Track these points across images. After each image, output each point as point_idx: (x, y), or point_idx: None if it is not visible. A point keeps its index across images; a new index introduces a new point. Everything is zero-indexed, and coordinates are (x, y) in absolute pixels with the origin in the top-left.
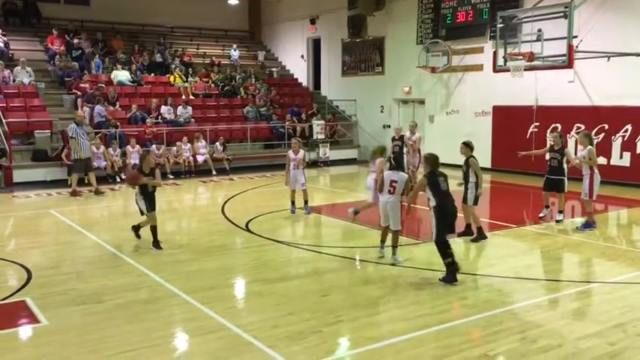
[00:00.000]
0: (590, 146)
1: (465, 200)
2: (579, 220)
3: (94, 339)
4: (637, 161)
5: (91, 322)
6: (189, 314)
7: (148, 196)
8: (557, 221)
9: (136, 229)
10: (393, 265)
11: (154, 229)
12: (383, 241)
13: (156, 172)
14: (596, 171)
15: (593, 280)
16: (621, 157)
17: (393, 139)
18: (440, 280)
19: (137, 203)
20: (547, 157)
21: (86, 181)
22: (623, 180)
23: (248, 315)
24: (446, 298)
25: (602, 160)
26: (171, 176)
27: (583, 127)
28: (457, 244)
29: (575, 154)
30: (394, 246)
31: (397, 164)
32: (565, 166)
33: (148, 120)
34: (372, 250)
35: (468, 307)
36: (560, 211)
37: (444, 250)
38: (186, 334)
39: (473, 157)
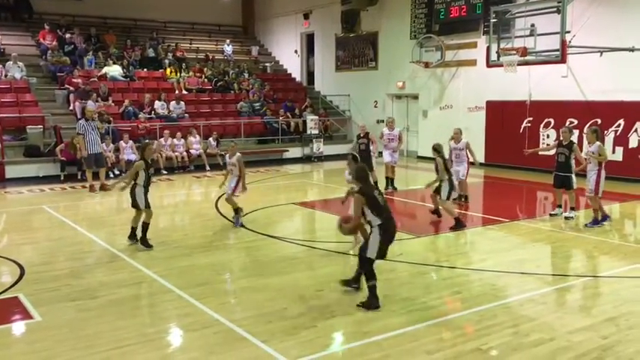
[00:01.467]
0: (598, 142)
1: (438, 193)
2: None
3: (88, 334)
4: (629, 156)
5: (84, 317)
6: (184, 310)
7: (147, 191)
8: (567, 218)
9: (144, 236)
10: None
11: (146, 226)
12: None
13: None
14: (603, 167)
15: (586, 274)
16: (614, 151)
17: (359, 137)
18: (359, 305)
19: (136, 198)
20: (554, 152)
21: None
22: (615, 174)
23: (242, 310)
24: (439, 293)
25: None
26: (164, 172)
27: (576, 121)
28: (450, 238)
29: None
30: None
31: (364, 162)
32: (572, 162)
33: (140, 115)
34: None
35: (462, 302)
36: (572, 208)
37: (372, 270)
38: (181, 329)
39: (441, 157)
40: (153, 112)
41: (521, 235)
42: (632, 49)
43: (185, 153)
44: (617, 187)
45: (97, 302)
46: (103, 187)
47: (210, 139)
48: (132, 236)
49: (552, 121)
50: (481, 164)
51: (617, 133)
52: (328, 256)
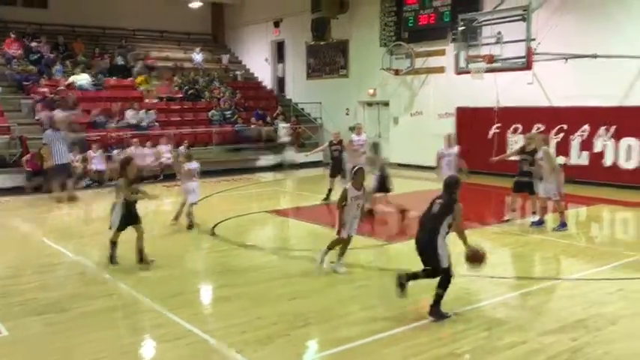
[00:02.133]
0: (544, 147)
1: (383, 191)
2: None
3: (59, 348)
4: (595, 160)
5: (54, 331)
6: (156, 321)
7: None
8: (534, 223)
9: (141, 256)
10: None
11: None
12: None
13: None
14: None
15: (555, 277)
16: (579, 156)
17: (332, 144)
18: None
19: (112, 215)
20: (517, 158)
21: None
22: (581, 178)
23: (215, 320)
24: (413, 298)
25: (561, 160)
26: None
27: (543, 127)
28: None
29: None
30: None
31: (336, 168)
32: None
33: (110, 124)
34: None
35: None
36: (534, 212)
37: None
38: (154, 340)
39: (377, 155)
40: (122, 121)
41: (491, 239)
42: (595, 56)
43: (156, 162)
44: (583, 191)
45: (66, 315)
46: (70, 198)
47: (181, 147)
48: (141, 260)
49: (520, 126)
50: None
51: (583, 138)
52: (301, 264)
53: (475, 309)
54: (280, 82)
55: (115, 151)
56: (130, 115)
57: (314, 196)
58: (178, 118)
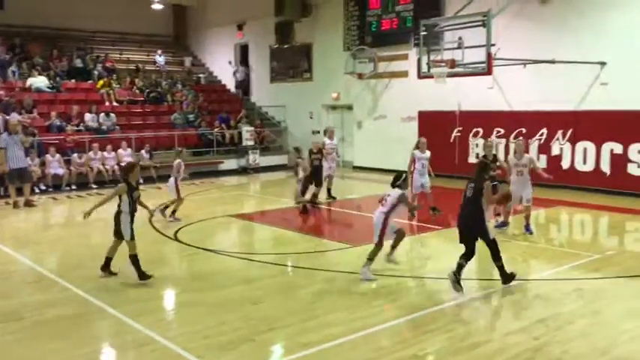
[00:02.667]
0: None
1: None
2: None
3: (15, 358)
4: (553, 163)
5: (10, 340)
6: (117, 328)
7: (133, 220)
8: (497, 226)
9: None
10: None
11: (135, 259)
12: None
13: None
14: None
15: (516, 278)
16: (538, 159)
17: (312, 153)
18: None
19: (120, 227)
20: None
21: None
22: (540, 181)
23: (178, 326)
24: (377, 301)
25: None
26: (94, 186)
27: (503, 131)
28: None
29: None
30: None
31: (318, 177)
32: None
33: (68, 128)
34: (304, 257)
35: (399, 309)
36: (498, 215)
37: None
38: (114, 349)
39: (301, 158)
40: (82, 124)
41: (455, 241)
42: (553, 61)
43: (116, 166)
44: (542, 194)
45: (23, 324)
46: (27, 203)
47: (143, 151)
48: (105, 267)
49: (481, 130)
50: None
51: (541, 142)
52: (265, 268)
53: (438, 310)
54: (244, 84)
55: (74, 155)
56: (90, 119)
57: (278, 199)
58: (140, 122)
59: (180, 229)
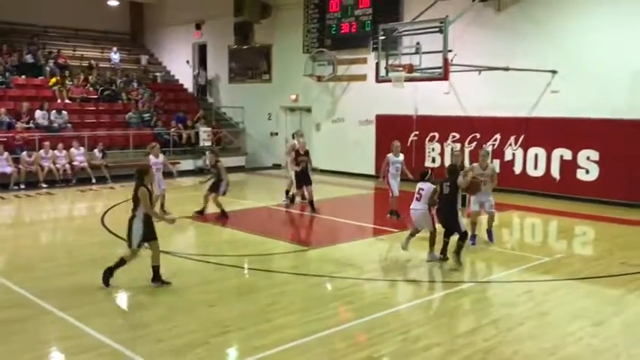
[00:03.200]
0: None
1: (214, 191)
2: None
3: None
4: (506, 168)
5: None
6: (64, 332)
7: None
8: (473, 243)
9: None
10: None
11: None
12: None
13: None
14: None
15: (469, 280)
16: (491, 163)
17: (299, 154)
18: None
19: (132, 232)
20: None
21: None
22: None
23: (130, 329)
24: (332, 304)
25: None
26: (44, 185)
27: (458, 135)
28: (343, 249)
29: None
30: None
31: (306, 179)
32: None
33: (18, 125)
34: (260, 259)
35: (354, 311)
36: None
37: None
38: (61, 353)
39: (219, 161)
40: (31, 121)
41: (410, 244)
42: (506, 69)
43: (68, 165)
44: (495, 198)
45: None
46: None
47: (96, 150)
48: (156, 279)
49: (437, 135)
50: (371, 176)
51: (495, 147)
52: (222, 270)
53: (391, 313)
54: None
55: (24, 153)
56: (40, 116)
57: (236, 201)
58: (93, 120)
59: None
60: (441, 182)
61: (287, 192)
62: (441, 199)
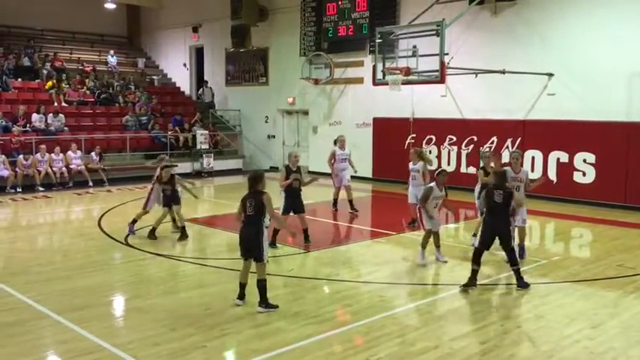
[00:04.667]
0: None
1: (177, 202)
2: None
3: None
4: None
5: None
6: (61, 336)
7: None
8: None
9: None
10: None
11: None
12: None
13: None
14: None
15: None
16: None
17: (289, 171)
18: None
19: (261, 244)
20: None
21: None
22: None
23: (127, 333)
24: (330, 307)
25: (471, 170)
26: (41, 188)
27: (455, 138)
28: (340, 252)
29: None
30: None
31: (297, 203)
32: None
33: (14, 128)
34: None
35: (351, 314)
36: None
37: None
38: (58, 357)
39: (174, 176)
40: (28, 124)
41: (407, 247)
42: (503, 72)
43: (65, 169)
44: None
45: None
46: None
47: (93, 153)
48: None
49: (434, 137)
50: (369, 179)
51: (491, 150)
52: (218, 273)
53: (389, 316)
54: (199, 88)
55: (20, 157)
56: (37, 119)
57: (232, 204)
58: (90, 123)
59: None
60: (491, 188)
61: None
62: (493, 208)
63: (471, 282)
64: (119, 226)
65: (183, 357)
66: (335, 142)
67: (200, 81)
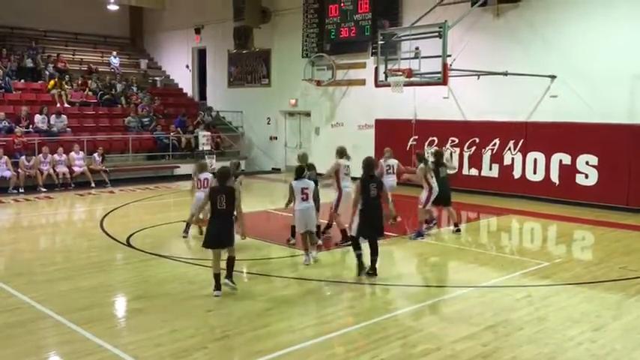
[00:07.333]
0: (421, 165)
1: None
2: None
3: None
4: (505, 172)
5: None
6: (64, 337)
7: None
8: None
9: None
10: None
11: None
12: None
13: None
14: (433, 186)
15: (468, 285)
16: (490, 168)
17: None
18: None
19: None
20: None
21: None
22: (492, 190)
23: (129, 334)
24: (331, 308)
25: (473, 172)
26: (43, 189)
27: (457, 140)
28: (340, 253)
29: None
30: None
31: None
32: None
33: (17, 129)
34: (258, 263)
35: (353, 316)
36: (456, 224)
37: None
38: (60, 358)
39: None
40: (31, 126)
41: (408, 249)
42: (505, 74)
43: (67, 169)
44: (494, 202)
45: None
46: None
47: (95, 154)
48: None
49: (436, 139)
50: None
51: (494, 152)
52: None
53: (390, 318)
54: (201, 89)
55: (23, 158)
56: (40, 120)
57: None
58: (92, 124)
59: (132, 234)
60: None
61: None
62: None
63: None
64: (121, 227)
65: (185, 358)
66: (342, 154)
67: (202, 83)
